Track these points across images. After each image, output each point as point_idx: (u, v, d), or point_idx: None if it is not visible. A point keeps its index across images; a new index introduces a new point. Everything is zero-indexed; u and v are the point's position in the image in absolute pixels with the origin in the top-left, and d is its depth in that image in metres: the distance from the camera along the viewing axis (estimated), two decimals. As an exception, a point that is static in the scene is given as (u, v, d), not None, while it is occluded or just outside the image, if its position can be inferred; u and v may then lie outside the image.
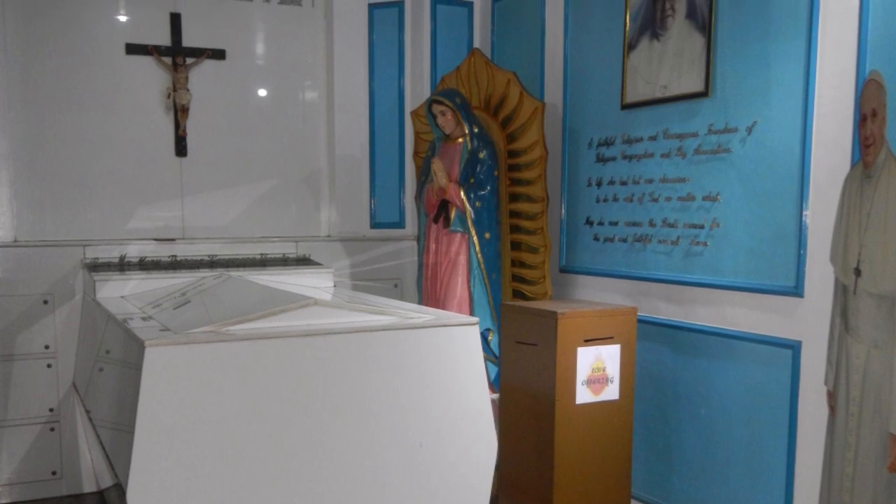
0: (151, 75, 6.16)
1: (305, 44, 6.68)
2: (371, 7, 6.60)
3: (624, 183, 4.99)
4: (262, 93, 6.57)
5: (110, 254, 5.78)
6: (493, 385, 5.24)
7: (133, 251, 5.86)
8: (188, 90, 6.17)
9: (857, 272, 3.48)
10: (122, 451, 3.28)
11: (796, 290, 3.89)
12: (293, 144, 6.68)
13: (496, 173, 5.31)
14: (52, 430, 5.73)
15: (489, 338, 5.30)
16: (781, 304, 3.99)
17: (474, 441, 3.69)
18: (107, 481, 5.79)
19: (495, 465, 3.80)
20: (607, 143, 5.12)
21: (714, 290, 4.39)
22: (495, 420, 3.94)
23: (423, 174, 5.62)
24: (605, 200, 5.15)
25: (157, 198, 6.24)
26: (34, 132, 5.86)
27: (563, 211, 5.53)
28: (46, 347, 5.65)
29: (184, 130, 6.21)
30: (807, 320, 3.86)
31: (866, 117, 3.46)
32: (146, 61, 6.14)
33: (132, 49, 6.08)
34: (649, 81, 4.72)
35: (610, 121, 5.10)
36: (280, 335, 3.31)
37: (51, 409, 5.70)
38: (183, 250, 6.05)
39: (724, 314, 4.33)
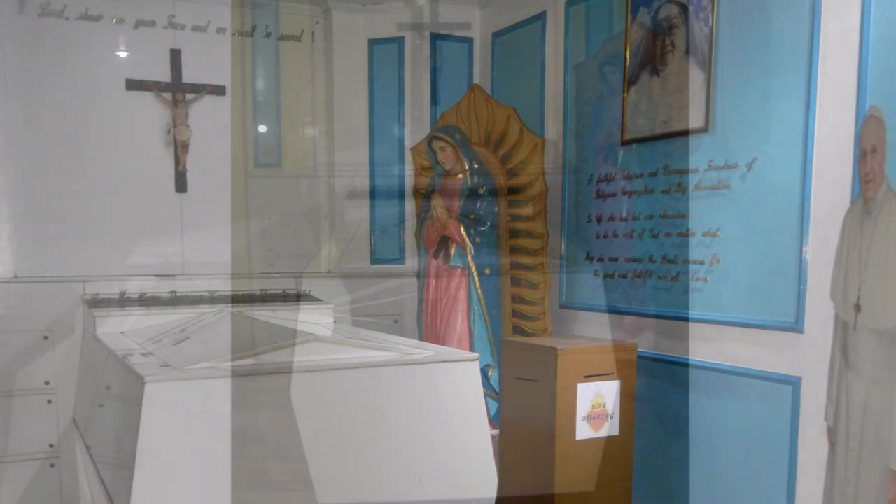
0: (151, 111, 6.17)
1: (305, 79, 6.70)
2: (371, 43, 6.64)
3: (624, 219, 4.99)
4: (262, 129, 6.59)
5: (110, 290, 5.78)
6: (493, 421, 5.22)
7: (133, 287, 5.86)
8: (188, 126, 6.18)
9: (858, 308, 3.48)
10: (122, 486, 3.26)
11: (796, 326, 3.89)
12: (293, 180, 6.69)
13: (496, 209, 5.32)
14: (52, 465, 5.70)
15: (489, 373, 5.29)
16: (781, 340, 3.99)
17: (474, 477, 3.68)
18: (105, 518, 5.77)
19: (495, 501, 3.78)
20: (607, 178, 5.13)
21: (714, 325, 4.38)
22: (495, 456, 3.93)
23: (424, 210, 5.63)
24: (606, 236, 5.15)
25: (157, 233, 6.22)
26: (34, 168, 5.86)
27: (563, 247, 5.53)
28: (46, 383, 5.63)
29: (184, 166, 6.21)
30: (807, 356, 3.85)
31: (866, 153, 3.46)
32: (146, 97, 6.15)
33: (132, 85, 6.08)
34: (649, 117, 4.74)
35: (610, 156, 5.11)
36: (280, 371, 3.30)
37: (51, 445, 5.68)
38: (183, 286, 6.05)
39: (724, 350, 4.32)
